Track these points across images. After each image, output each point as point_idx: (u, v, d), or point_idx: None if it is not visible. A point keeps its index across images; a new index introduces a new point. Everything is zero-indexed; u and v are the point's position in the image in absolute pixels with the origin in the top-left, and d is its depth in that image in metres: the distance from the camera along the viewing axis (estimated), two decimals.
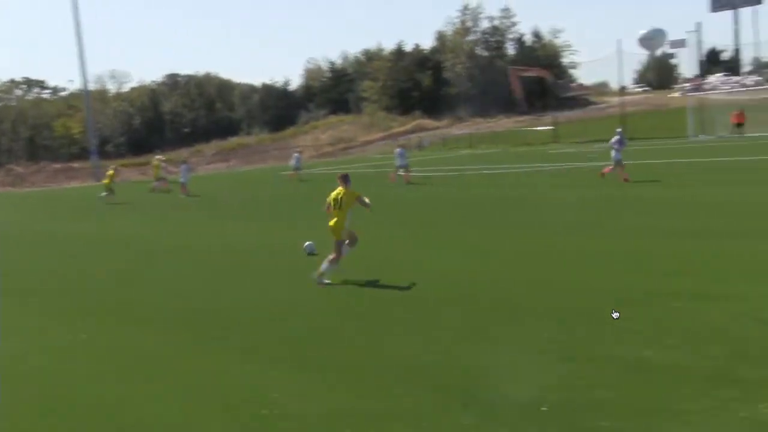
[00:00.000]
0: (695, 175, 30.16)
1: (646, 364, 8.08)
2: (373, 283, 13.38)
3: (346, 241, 14.09)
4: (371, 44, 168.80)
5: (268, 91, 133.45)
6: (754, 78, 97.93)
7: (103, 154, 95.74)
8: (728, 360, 7.95)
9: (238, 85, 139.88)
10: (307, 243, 16.24)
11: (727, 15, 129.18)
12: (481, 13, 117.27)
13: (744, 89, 76.89)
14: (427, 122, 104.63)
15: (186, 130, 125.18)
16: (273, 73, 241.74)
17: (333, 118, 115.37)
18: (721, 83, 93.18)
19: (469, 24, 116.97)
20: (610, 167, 29.55)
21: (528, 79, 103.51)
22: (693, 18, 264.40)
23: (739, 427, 6.37)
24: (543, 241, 16.74)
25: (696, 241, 15.16)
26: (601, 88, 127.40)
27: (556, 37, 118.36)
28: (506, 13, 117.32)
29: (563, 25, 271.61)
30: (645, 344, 8.70)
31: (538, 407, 7.14)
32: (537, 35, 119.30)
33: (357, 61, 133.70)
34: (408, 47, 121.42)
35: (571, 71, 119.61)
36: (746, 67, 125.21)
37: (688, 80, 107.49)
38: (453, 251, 16.17)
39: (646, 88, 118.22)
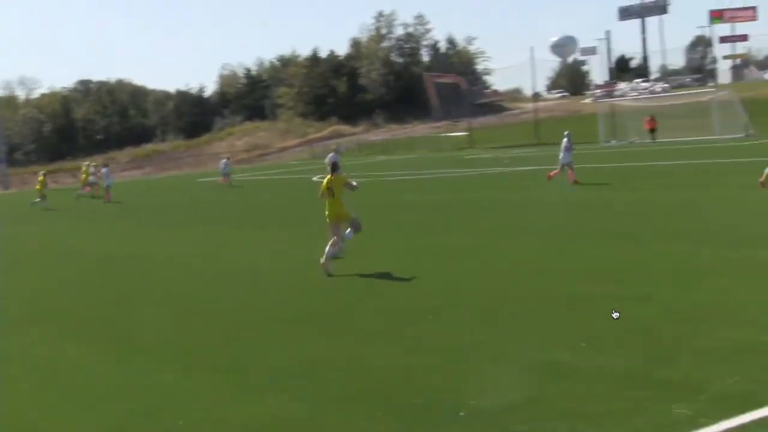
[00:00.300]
0: (610, 178, 30.71)
1: (564, 367, 8.09)
2: (297, 287, 13.25)
3: (348, 230, 14.52)
4: (286, 50, 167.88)
5: (183, 97, 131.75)
6: (662, 85, 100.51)
7: (12, 162, 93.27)
8: (645, 361, 8.03)
9: (152, 91, 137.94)
10: (348, 231, 15.05)
11: (635, 23, 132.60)
12: (395, 20, 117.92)
13: (652, 96, 78.75)
14: (344, 128, 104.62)
15: (99, 137, 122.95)
16: (188, 79, 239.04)
17: (249, 125, 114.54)
18: (631, 89, 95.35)
19: (383, 31, 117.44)
20: (557, 170, 29.46)
21: (443, 86, 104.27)
22: (603, 26, 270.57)
23: (653, 428, 6.42)
24: (466, 242, 16.80)
25: (617, 243, 15.38)
26: (515, 95, 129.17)
27: (470, 44, 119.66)
28: (420, 20, 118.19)
29: (477, 32, 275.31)
30: (564, 346, 8.73)
31: (457, 412, 7.09)
32: (451, 42, 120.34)
33: (272, 68, 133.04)
34: (323, 53, 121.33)
35: (486, 78, 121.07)
36: (654, 74, 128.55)
37: (599, 87, 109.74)
38: (373, 254, 16.10)
39: (565, 94, 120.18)
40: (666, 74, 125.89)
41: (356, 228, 14.73)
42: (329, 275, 13.81)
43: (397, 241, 18.21)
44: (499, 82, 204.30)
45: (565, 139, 29.05)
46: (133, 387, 8.71)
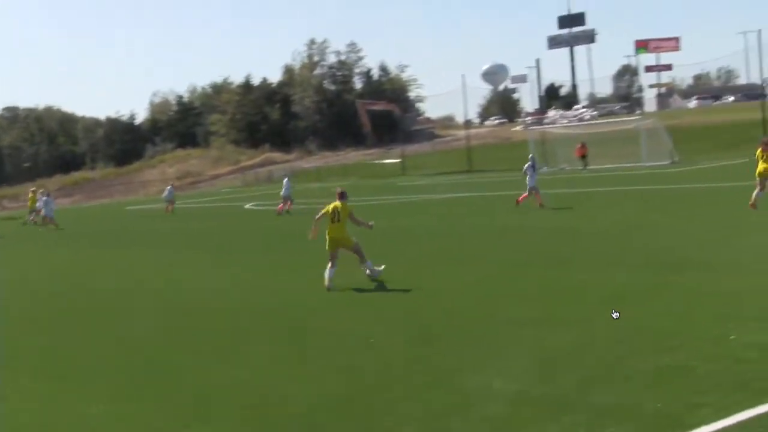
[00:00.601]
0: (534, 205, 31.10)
1: (493, 393, 8.15)
2: (225, 311, 13.14)
3: (359, 260, 15.33)
4: (219, 77, 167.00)
5: (113, 124, 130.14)
6: (591, 112, 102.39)
7: None
8: (578, 385, 8.12)
9: (82, 118, 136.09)
10: (368, 264, 15.53)
11: (563, 52, 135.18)
12: (327, 47, 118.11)
13: (582, 123, 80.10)
14: (276, 155, 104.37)
15: (26, 164, 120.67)
16: (119, 106, 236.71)
17: (181, 152, 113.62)
18: (560, 117, 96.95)
19: (316, 58, 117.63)
20: (525, 195, 29.32)
21: (376, 113, 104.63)
22: (533, 54, 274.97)
23: None
24: (398, 270, 16.85)
25: (553, 268, 15.55)
26: (447, 122, 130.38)
27: (402, 72, 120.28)
28: (353, 47, 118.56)
29: (409, 59, 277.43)
30: (499, 371, 8.80)
31: None
32: (384, 69, 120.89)
33: (205, 95, 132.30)
34: (256, 80, 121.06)
35: (418, 105, 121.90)
36: (583, 102, 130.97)
37: (529, 114, 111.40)
38: (305, 283, 16.03)
39: (503, 120, 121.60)
40: (594, 102, 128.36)
41: (360, 253, 15.39)
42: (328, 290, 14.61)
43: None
44: (431, 109, 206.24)
45: (529, 163, 29.19)
46: (58, 421, 8.54)
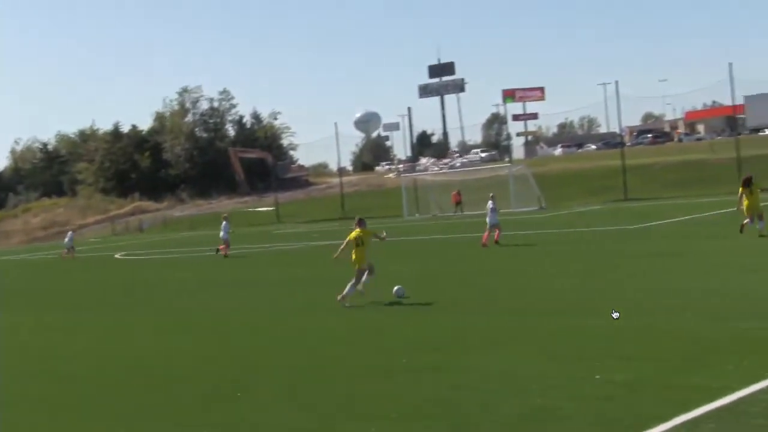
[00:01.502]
0: (411, 251, 31.52)
1: None
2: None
3: (367, 272, 17.73)
4: (85, 124, 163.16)
5: None
6: (462, 160, 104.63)
7: None
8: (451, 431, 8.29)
9: None
10: (396, 288, 17.61)
11: (434, 100, 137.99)
12: (200, 95, 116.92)
13: (453, 170, 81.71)
14: (147, 204, 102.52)
15: None
16: None
17: (46, 201, 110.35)
18: (432, 164, 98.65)
19: (187, 105, 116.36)
20: (487, 233, 29.57)
21: (249, 161, 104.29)
22: (405, 102, 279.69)
23: None
24: (274, 319, 16.78)
25: (413, 316, 15.78)
26: (321, 169, 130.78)
27: (275, 119, 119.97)
28: (225, 95, 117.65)
29: (281, 107, 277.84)
30: (374, 418, 8.85)
31: None
32: (256, 117, 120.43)
33: (71, 142, 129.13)
34: (125, 128, 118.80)
35: (291, 152, 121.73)
36: (453, 150, 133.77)
37: (401, 162, 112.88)
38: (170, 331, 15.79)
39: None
40: (465, 150, 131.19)
41: (372, 272, 17.98)
42: (345, 306, 17.09)
43: (205, 319, 17.99)
44: (305, 156, 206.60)
45: (490, 202, 29.66)
46: None
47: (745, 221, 24.57)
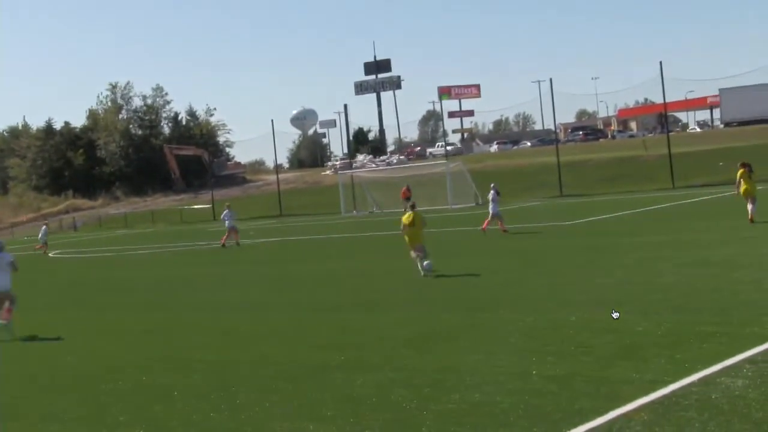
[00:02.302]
0: (346, 249, 31.48)
1: None
2: None
3: (426, 262, 19.77)
4: (16, 121, 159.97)
5: None
6: (398, 156, 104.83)
7: None
8: (382, 427, 8.25)
9: None
10: (426, 263, 19.69)
11: (371, 97, 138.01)
12: (131, 91, 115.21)
13: (389, 167, 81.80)
14: (81, 202, 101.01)
15: None
16: None
17: None
18: (369, 161, 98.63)
19: (120, 102, 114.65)
20: (488, 220, 30.54)
21: (184, 158, 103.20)
22: (342, 100, 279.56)
23: None
24: (204, 318, 16.59)
25: (357, 312, 15.75)
26: (258, 166, 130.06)
27: (211, 116, 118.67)
28: (159, 91, 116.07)
29: (217, 104, 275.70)
30: (310, 417, 8.79)
31: None
32: (192, 114, 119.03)
33: (2, 139, 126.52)
34: (58, 125, 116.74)
35: (228, 150, 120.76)
36: (390, 146, 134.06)
37: (338, 159, 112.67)
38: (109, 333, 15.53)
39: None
40: (401, 146, 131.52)
41: (423, 251, 20.10)
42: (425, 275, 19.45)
43: (128, 320, 17.74)
44: (241, 154, 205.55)
45: (492, 192, 30.59)
46: None
47: (750, 208, 25.00)
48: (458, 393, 9.14)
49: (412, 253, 20.43)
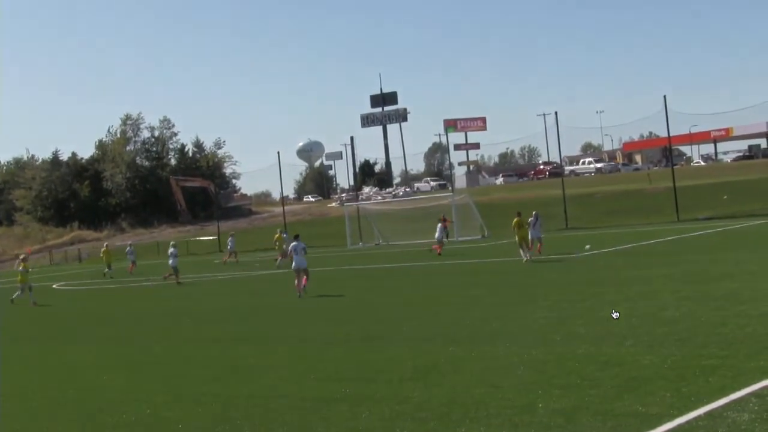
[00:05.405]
0: (354, 281, 31.44)
1: None
2: None
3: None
4: (22, 152, 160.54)
5: None
6: (405, 189, 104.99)
7: None
8: None
9: None
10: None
11: (377, 130, 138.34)
12: (141, 123, 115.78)
13: (396, 200, 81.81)
14: (86, 233, 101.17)
15: None
16: None
17: None
18: (375, 193, 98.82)
19: (129, 134, 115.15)
20: (531, 246, 32.09)
21: (191, 189, 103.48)
22: (348, 132, 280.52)
23: None
24: (211, 351, 16.57)
25: (363, 346, 15.73)
26: (264, 198, 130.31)
27: (218, 148, 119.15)
28: (166, 123, 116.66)
29: (225, 136, 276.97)
30: None
31: None
32: (198, 146, 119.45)
33: (7, 170, 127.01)
34: (65, 156, 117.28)
35: (234, 181, 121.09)
36: (396, 179, 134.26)
37: (344, 191, 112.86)
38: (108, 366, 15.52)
39: (319, 198, 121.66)
40: (407, 179, 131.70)
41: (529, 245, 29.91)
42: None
43: (134, 353, 17.72)
44: (247, 185, 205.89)
45: (532, 218, 32.49)
46: None
47: (523, 254, 29.02)
48: (464, 426, 9.12)
49: (527, 247, 30.15)
